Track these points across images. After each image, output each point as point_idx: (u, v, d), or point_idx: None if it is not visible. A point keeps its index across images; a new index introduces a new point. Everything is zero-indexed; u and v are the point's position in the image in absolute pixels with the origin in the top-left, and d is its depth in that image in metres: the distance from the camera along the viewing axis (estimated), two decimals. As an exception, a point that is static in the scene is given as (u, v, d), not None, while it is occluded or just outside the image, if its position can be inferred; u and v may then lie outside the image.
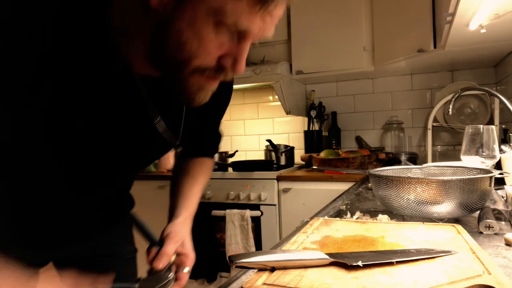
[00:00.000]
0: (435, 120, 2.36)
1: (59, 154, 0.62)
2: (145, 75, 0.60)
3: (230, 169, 2.39)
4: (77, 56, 0.52)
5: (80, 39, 0.52)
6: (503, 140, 1.90)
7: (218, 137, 0.97)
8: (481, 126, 1.08)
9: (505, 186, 1.01)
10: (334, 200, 1.14)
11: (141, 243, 0.85)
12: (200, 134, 0.90)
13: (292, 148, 2.69)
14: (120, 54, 0.56)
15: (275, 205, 2.16)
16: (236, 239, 2.15)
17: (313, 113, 2.70)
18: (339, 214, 0.93)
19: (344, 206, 1.02)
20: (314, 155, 2.32)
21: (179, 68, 0.53)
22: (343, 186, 1.65)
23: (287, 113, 2.52)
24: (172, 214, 0.84)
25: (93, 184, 0.72)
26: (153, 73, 0.59)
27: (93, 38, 0.53)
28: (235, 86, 1.06)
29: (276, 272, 0.48)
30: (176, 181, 0.89)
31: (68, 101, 0.54)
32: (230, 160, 2.66)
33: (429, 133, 2.33)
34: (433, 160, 2.36)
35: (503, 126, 2.18)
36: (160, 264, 0.69)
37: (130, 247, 0.98)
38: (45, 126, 0.56)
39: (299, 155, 2.68)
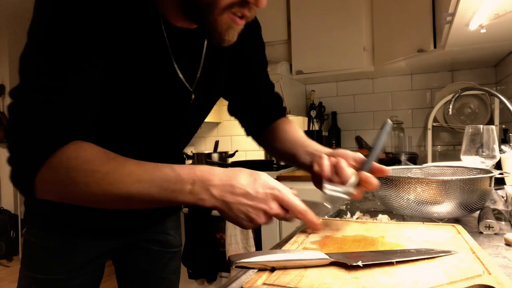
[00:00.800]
0: (435, 120, 2.36)
1: (122, 136, 0.68)
2: (177, 28, 0.68)
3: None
4: (123, 20, 0.61)
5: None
6: (503, 140, 1.90)
7: (278, 96, 0.98)
8: (481, 126, 1.08)
9: (505, 186, 1.01)
10: (334, 200, 1.14)
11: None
12: (260, 96, 0.93)
13: (292, 148, 2.69)
14: (158, 10, 0.65)
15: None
16: (236, 239, 2.15)
17: (313, 113, 2.70)
18: (339, 214, 0.93)
19: (344, 206, 1.02)
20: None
21: (209, 10, 0.59)
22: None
23: (287, 113, 2.52)
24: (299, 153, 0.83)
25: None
26: (188, 25, 0.67)
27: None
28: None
29: (276, 272, 0.48)
30: (279, 144, 0.89)
31: (116, 61, 0.62)
32: (230, 160, 2.66)
33: (429, 133, 2.33)
34: (433, 160, 2.36)
35: (503, 126, 2.18)
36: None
37: (179, 241, 1.02)
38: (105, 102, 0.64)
39: (299, 155, 2.68)
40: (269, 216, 0.59)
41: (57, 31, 0.56)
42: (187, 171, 0.57)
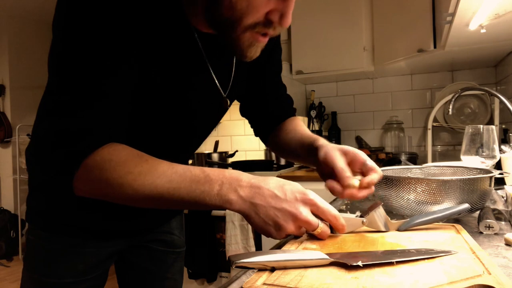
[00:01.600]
0: (435, 120, 2.36)
1: (140, 133, 0.68)
2: (206, 33, 0.68)
3: (230, 169, 2.39)
4: (153, 22, 0.62)
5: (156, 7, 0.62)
6: (503, 140, 1.90)
7: (288, 98, 0.99)
8: (481, 126, 1.08)
9: (505, 186, 1.01)
10: (334, 200, 1.14)
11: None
12: (270, 98, 0.94)
13: (292, 148, 2.69)
14: (187, 17, 0.66)
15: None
16: (236, 239, 2.15)
17: (313, 113, 2.70)
18: (339, 214, 0.93)
19: (344, 206, 1.02)
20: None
21: (232, 27, 0.59)
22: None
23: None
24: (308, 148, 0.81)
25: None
26: (213, 32, 0.67)
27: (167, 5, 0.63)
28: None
29: (276, 272, 0.48)
30: (289, 140, 0.89)
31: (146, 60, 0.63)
32: (230, 160, 2.66)
33: (429, 133, 2.33)
34: (433, 160, 2.36)
35: (503, 126, 2.18)
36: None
37: (183, 241, 1.02)
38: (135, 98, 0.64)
39: (299, 155, 2.68)
40: (298, 225, 0.57)
41: (92, 36, 0.57)
42: (217, 172, 0.58)
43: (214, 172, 0.58)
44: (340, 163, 0.69)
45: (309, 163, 0.84)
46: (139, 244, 0.92)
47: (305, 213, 0.56)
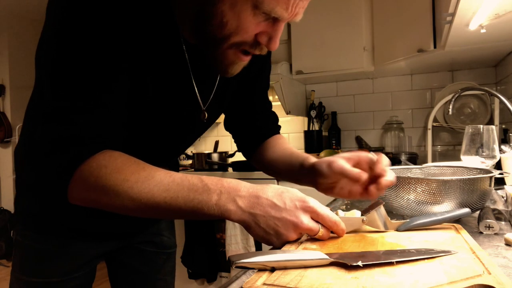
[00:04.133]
0: (435, 120, 2.36)
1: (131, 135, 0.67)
2: (194, 45, 0.69)
3: (230, 169, 2.39)
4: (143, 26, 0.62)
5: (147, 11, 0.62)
6: (503, 140, 1.90)
7: (274, 115, 0.99)
8: (481, 126, 1.08)
9: (505, 186, 1.01)
10: (334, 200, 1.14)
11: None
12: (258, 114, 0.95)
13: (292, 148, 2.69)
14: (178, 28, 0.66)
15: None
16: (236, 239, 2.15)
17: (313, 113, 2.70)
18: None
19: (344, 206, 1.02)
20: (314, 155, 2.31)
21: (219, 43, 0.60)
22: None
23: (287, 113, 2.52)
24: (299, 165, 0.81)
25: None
26: (199, 44, 0.68)
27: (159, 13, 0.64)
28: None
29: (276, 272, 0.48)
30: (275, 159, 0.89)
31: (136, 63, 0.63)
32: (230, 160, 2.66)
33: (429, 133, 2.33)
34: (433, 160, 2.36)
35: (503, 126, 2.18)
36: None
37: (173, 242, 1.03)
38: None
39: (299, 155, 2.68)
40: (299, 232, 0.56)
41: (88, 42, 0.56)
42: (215, 181, 0.57)
43: (212, 181, 0.57)
44: (353, 168, 0.68)
45: (297, 180, 0.83)
46: (129, 245, 0.92)
47: (306, 221, 0.55)
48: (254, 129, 0.95)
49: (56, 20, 0.58)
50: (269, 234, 0.55)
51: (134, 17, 0.60)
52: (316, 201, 0.58)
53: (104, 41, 0.57)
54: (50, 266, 0.78)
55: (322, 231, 0.57)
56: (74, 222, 0.78)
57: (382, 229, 0.65)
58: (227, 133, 1.00)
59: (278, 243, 0.57)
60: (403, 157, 2.22)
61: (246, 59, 0.64)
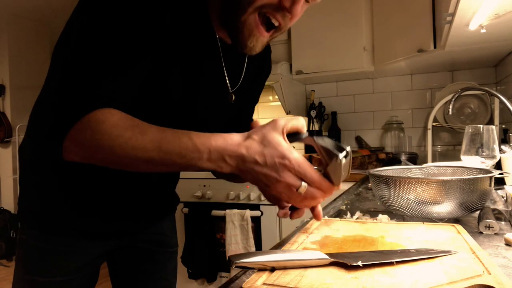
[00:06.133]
0: (435, 120, 2.36)
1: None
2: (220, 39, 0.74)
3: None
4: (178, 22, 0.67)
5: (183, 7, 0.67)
6: (503, 140, 1.90)
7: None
8: (481, 126, 1.08)
9: (505, 186, 1.01)
10: (334, 200, 1.14)
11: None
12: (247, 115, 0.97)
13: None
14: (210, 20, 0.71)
15: (275, 205, 2.16)
16: (236, 239, 2.15)
17: (313, 113, 2.70)
18: (339, 214, 0.93)
19: (344, 206, 1.02)
20: (314, 155, 2.31)
21: (244, 7, 0.63)
22: (343, 186, 1.64)
23: (287, 113, 2.52)
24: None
25: None
26: (226, 38, 0.73)
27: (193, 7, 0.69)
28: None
29: (276, 272, 0.48)
30: None
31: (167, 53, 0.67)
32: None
33: (429, 133, 2.33)
34: (433, 160, 2.36)
35: (503, 126, 2.18)
36: None
37: (174, 241, 1.04)
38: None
39: (299, 155, 2.68)
40: (283, 187, 0.56)
41: (121, 19, 0.61)
42: (203, 140, 0.58)
43: (200, 141, 0.57)
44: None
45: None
46: (131, 245, 0.92)
47: (287, 177, 0.56)
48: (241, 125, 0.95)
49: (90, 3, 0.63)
50: (260, 184, 0.58)
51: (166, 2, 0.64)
52: (298, 156, 0.57)
53: (135, 18, 0.61)
54: (54, 265, 0.79)
55: (304, 185, 0.56)
56: (75, 221, 0.78)
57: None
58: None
59: (272, 199, 0.60)
60: (403, 157, 2.22)
61: (265, 35, 0.67)
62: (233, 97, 0.82)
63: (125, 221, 0.84)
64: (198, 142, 0.57)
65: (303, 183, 0.57)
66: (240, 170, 0.57)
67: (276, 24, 0.66)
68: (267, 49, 0.93)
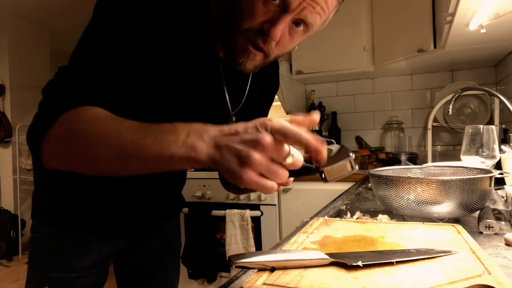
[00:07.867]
0: (435, 120, 2.36)
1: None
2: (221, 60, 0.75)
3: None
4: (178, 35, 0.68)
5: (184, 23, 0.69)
6: (503, 140, 1.90)
7: None
8: (481, 126, 1.08)
9: (505, 186, 1.01)
10: (334, 200, 1.14)
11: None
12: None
13: (292, 148, 2.69)
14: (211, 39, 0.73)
15: (275, 205, 2.16)
16: (236, 239, 2.15)
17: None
18: (339, 214, 0.93)
19: (344, 206, 1.02)
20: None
21: (231, 28, 0.65)
22: (343, 186, 1.65)
23: (287, 113, 2.52)
24: None
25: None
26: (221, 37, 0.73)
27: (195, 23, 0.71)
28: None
29: (276, 272, 0.48)
30: None
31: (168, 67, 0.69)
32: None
33: (429, 133, 2.33)
34: (433, 160, 2.36)
35: (503, 126, 2.18)
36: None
37: (178, 239, 1.07)
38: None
39: (299, 155, 2.68)
40: (264, 155, 0.48)
41: (124, 26, 0.62)
42: (186, 124, 0.54)
43: (182, 124, 0.54)
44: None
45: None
46: (138, 243, 0.94)
47: (269, 138, 0.48)
48: None
49: (99, 11, 0.64)
50: (232, 163, 0.48)
51: (170, 16, 0.66)
52: (282, 121, 0.50)
53: (137, 28, 0.62)
54: (68, 262, 0.82)
55: (293, 154, 0.50)
56: (86, 220, 0.81)
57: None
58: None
59: (243, 173, 0.48)
60: (403, 157, 2.22)
61: (254, 52, 0.66)
62: (234, 119, 0.83)
63: (136, 221, 0.87)
64: (179, 125, 0.53)
65: (292, 149, 0.50)
66: (216, 148, 0.49)
67: (260, 44, 0.65)
68: (274, 66, 0.94)
